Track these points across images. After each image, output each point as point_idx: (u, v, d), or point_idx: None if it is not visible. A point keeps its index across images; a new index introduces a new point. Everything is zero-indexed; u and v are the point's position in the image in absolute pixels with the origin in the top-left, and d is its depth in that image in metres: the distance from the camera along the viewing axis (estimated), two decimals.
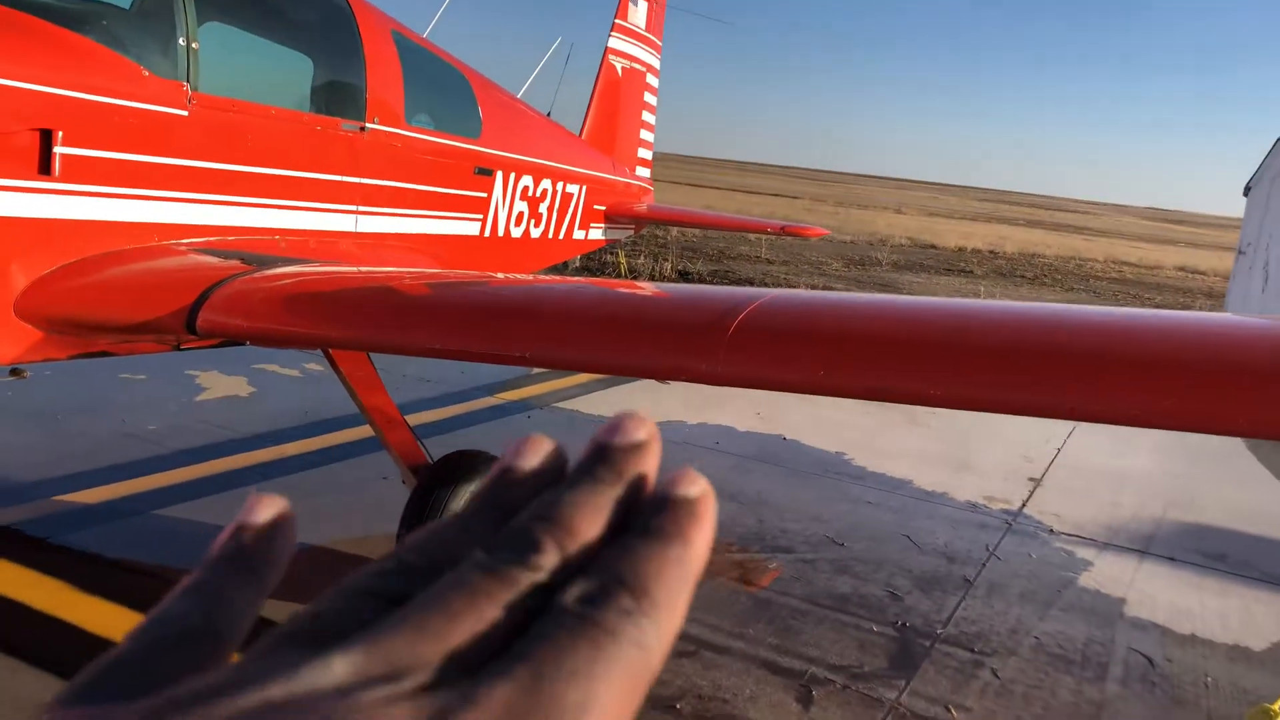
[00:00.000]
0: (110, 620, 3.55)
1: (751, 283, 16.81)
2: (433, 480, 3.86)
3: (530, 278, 3.85)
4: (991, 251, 34.09)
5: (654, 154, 9.74)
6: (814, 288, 16.79)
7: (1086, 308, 2.89)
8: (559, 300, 3.10)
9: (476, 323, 2.99)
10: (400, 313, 3.15)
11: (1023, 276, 25.53)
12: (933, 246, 33.14)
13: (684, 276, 17.01)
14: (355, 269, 3.88)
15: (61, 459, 5.08)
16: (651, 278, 16.36)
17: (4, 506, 4.44)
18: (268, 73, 4.66)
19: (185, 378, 6.82)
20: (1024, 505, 6.15)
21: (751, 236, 27.08)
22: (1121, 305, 20.62)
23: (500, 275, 3.89)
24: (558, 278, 3.83)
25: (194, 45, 3.81)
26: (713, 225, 10.80)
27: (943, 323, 2.61)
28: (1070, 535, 5.67)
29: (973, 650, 4.11)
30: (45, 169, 3.33)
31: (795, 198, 62.54)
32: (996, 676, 3.91)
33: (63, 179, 3.39)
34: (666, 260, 18.08)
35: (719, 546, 4.93)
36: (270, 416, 6.18)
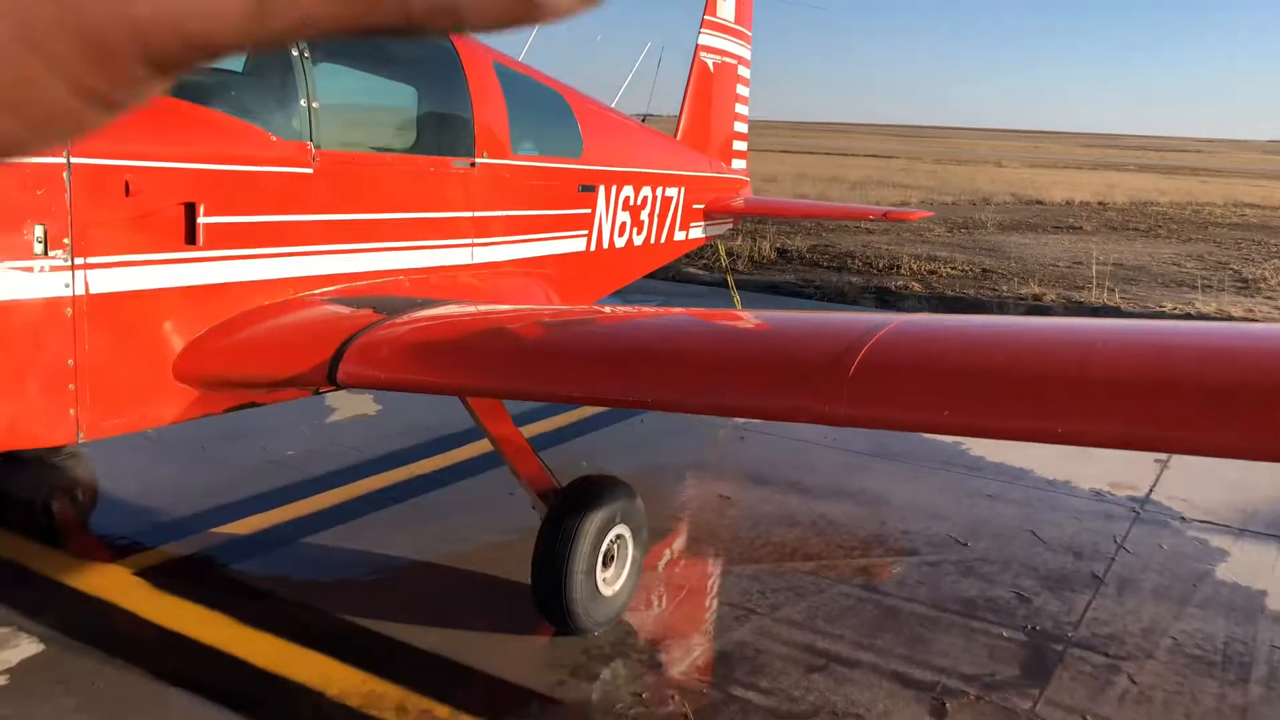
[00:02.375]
0: (274, 654, 3.81)
1: (852, 256, 16.57)
2: (562, 506, 4.01)
3: (635, 310, 3.94)
4: (1101, 203, 32.86)
5: (748, 121, 9.66)
6: (917, 257, 16.49)
7: (1217, 326, 2.83)
8: (676, 343, 3.19)
9: (601, 371, 3.10)
10: (526, 361, 3.28)
11: (1135, 229, 24.55)
12: (1038, 202, 32.11)
13: (782, 254, 16.89)
14: (476, 310, 4.04)
15: (213, 489, 5.41)
16: (750, 258, 16.31)
17: (167, 541, 4.77)
18: (380, 122, 4.85)
19: (315, 399, 7.15)
20: (1151, 491, 6.02)
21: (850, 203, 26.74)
22: (1245, 252, 19.68)
23: (608, 309, 4.00)
24: (662, 310, 3.91)
25: (314, 105, 4.01)
26: (812, 215, 10.75)
27: (1068, 354, 2.60)
28: (1203, 522, 5.53)
29: (1107, 654, 4.08)
30: (191, 239, 3.57)
31: (890, 158, 61.28)
32: (1134, 682, 3.88)
33: (206, 247, 3.63)
34: (764, 239, 18.00)
35: (841, 551, 4.98)
36: (398, 435, 6.44)
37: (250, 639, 3.91)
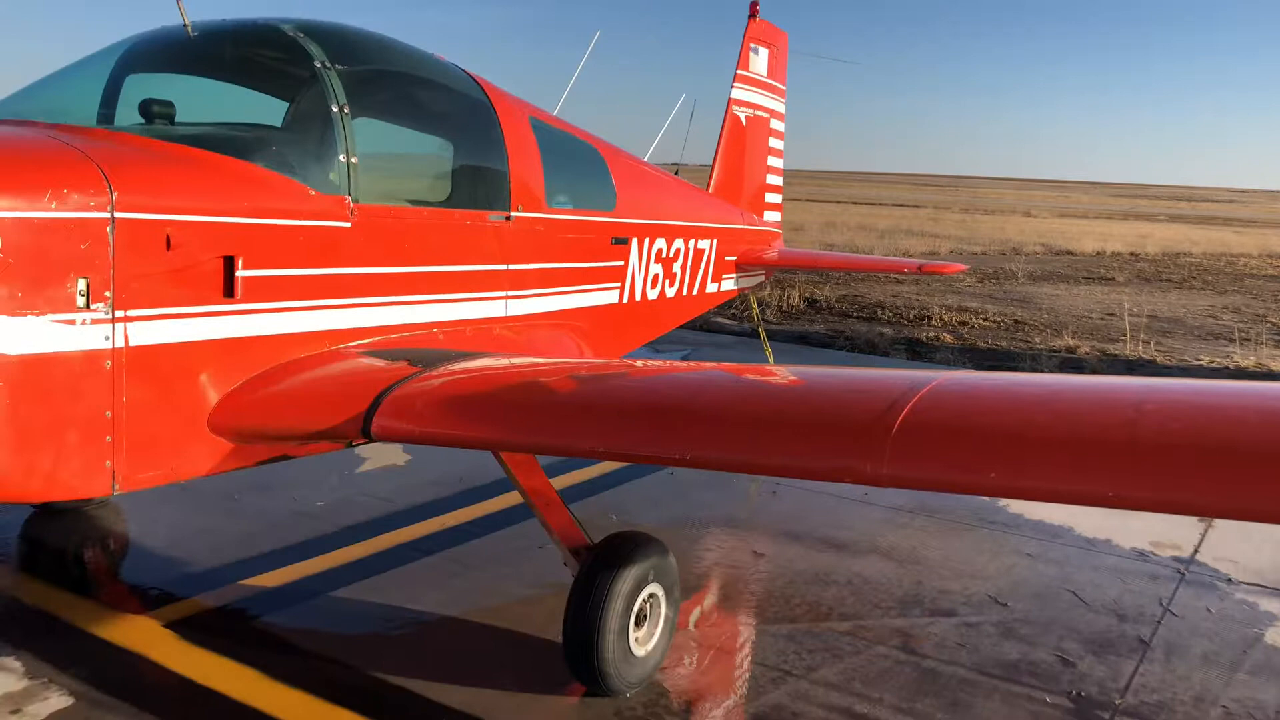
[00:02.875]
0: (303, 710, 3.76)
1: (882, 306, 16.52)
2: (595, 563, 3.95)
3: (669, 365, 3.91)
4: (1133, 254, 32.66)
5: (781, 174, 9.67)
6: (948, 308, 16.42)
7: (1264, 386, 2.76)
8: (712, 400, 3.16)
9: (635, 428, 3.06)
10: (559, 417, 3.26)
11: (1169, 280, 24.35)
12: (1069, 252, 31.97)
13: (811, 304, 16.86)
14: (509, 363, 4.02)
15: (242, 541, 5.40)
16: (779, 308, 16.29)
17: (197, 592, 4.74)
18: (417, 176, 4.90)
19: (345, 449, 7.14)
20: (1196, 551, 5.87)
21: (878, 252, 26.68)
22: None
23: (639, 364, 3.97)
24: (695, 365, 3.87)
25: (353, 160, 4.05)
26: (846, 268, 10.72)
27: (1115, 416, 2.53)
28: (1251, 585, 5.38)
29: None
30: (229, 292, 3.59)
31: (918, 207, 61.33)
32: None
33: (244, 300, 3.65)
34: (793, 288, 17.98)
35: (878, 611, 4.88)
36: (428, 486, 6.42)
37: (280, 695, 3.86)
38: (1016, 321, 15.85)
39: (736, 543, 5.82)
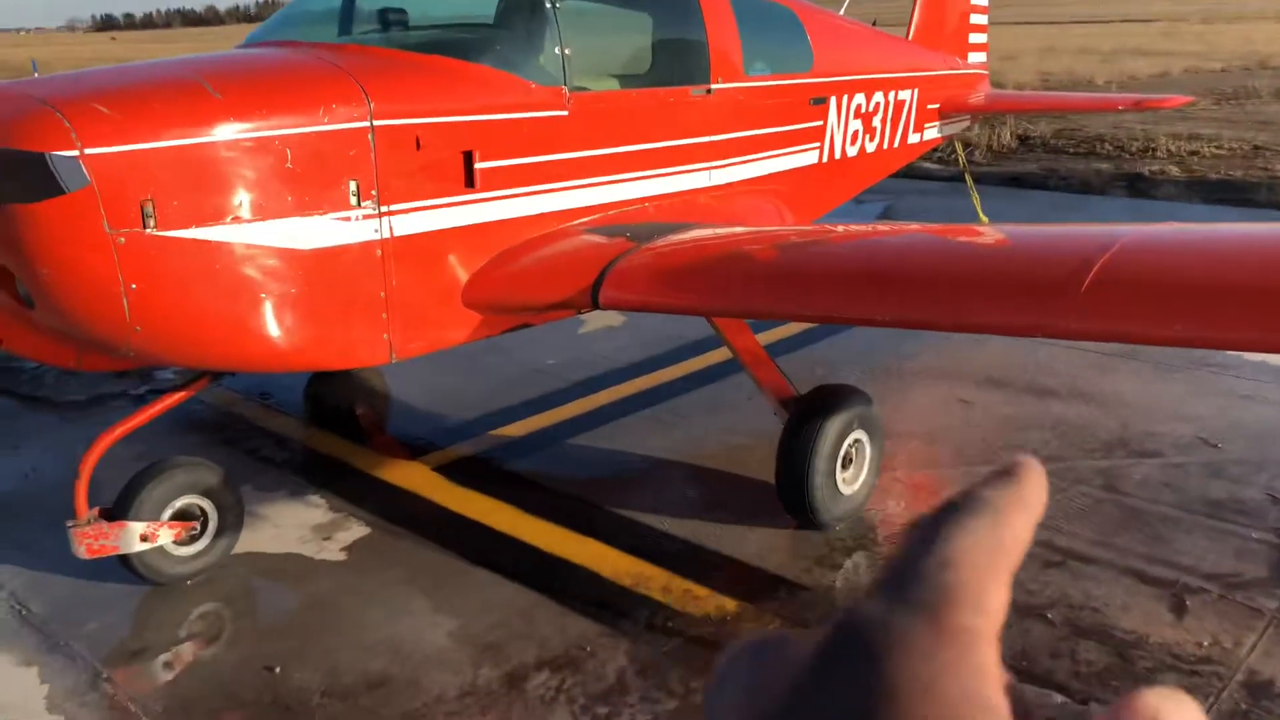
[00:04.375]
0: (555, 538, 4.40)
1: (1101, 139, 15.53)
2: (802, 412, 4.33)
3: (870, 229, 4.13)
4: None
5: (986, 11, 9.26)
6: (1176, 136, 15.25)
7: None
8: (911, 262, 3.40)
9: (839, 291, 3.36)
10: (768, 283, 3.59)
11: None
12: None
13: (1024, 142, 16.08)
14: (717, 233, 4.36)
15: (485, 396, 6.11)
16: (990, 148, 15.65)
17: (455, 442, 5.49)
18: (623, 60, 5.19)
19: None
20: None
21: (1100, 79, 24.77)
22: None
23: (840, 228, 4.21)
24: (896, 227, 4.07)
25: (566, 52, 4.40)
26: (1055, 109, 10.22)
27: None
28: None
29: None
30: (470, 183, 4.08)
31: (1149, 20, 55.64)
32: None
33: (482, 189, 4.13)
34: (1004, 125, 17.15)
35: (1082, 453, 5.04)
36: (644, 344, 6.94)
37: (534, 526, 4.53)
38: (1256, 148, 14.57)
39: (941, 391, 6.04)
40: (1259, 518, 4.34)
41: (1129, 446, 5.09)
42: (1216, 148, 14.57)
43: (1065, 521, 4.36)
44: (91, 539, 3.83)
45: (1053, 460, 4.95)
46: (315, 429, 5.83)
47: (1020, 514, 0.38)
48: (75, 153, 3.12)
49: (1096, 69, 27.17)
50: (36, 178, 3.03)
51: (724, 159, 5.24)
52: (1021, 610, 3.75)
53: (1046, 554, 4.11)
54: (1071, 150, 15.27)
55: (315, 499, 4.88)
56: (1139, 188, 12.38)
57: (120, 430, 4.02)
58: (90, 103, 3.27)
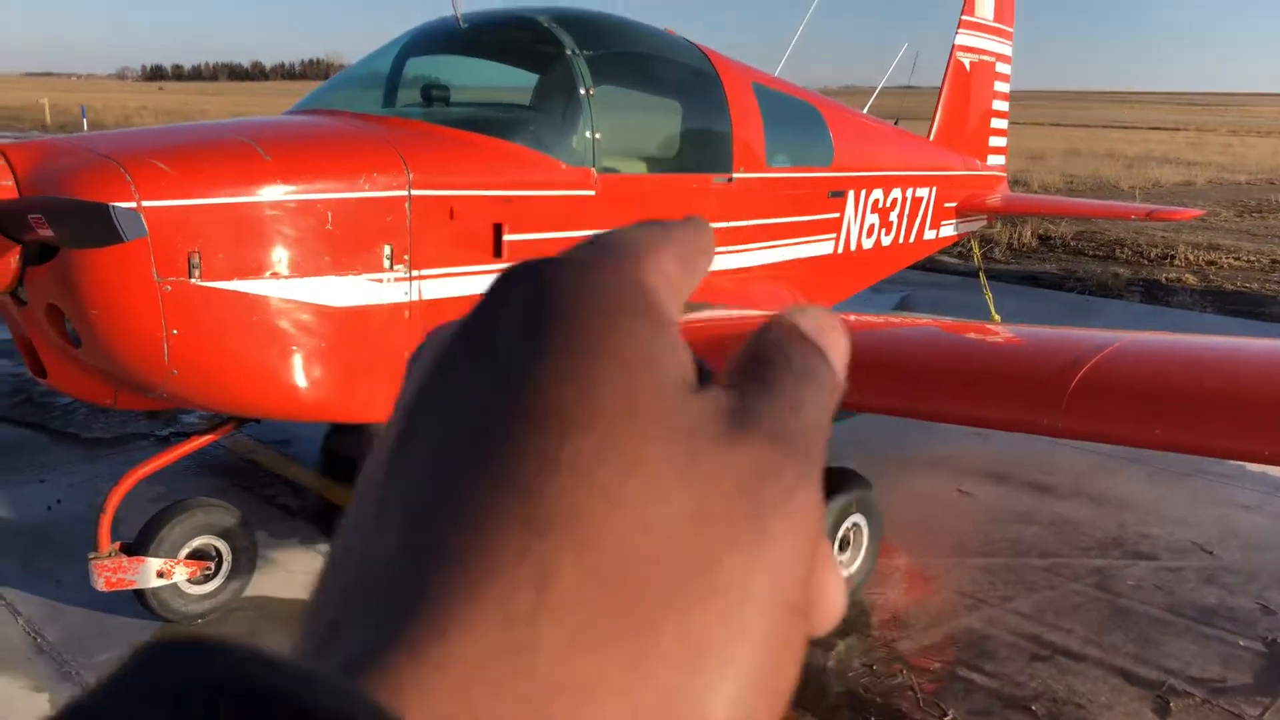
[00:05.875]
0: None
1: (1121, 244, 15.75)
2: None
3: (881, 320, 4.30)
4: None
5: (1010, 90, 9.50)
6: (1196, 246, 15.45)
7: None
8: (907, 352, 3.56)
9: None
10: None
11: None
12: None
13: (1044, 241, 16.32)
14: (733, 314, 4.55)
15: None
16: (1010, 246, 15.89)
17: None
18: (650, 146, 5.45)
19: None
20: None
21: (1124, 186, 25.13)
22: None
23: (851, 318, 4.39)
24: (899, 319, 4.25)
25: (596, 136, 4.65)
26: (1066, 214, 10.46)
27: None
28: None
29: None
30: (498, 253, 4.30)
31: (1177, 129, 56.47)
32: None
33: (510, 260, 4.34)
34: (1025, 224, 17.43)
35: (1077, 551, 5.12)
36: None
37: None
38: (1274, 261, 14.75)
39: (942, 480, 6.14)
40: (1248, 625, 4.40)
41: (1125, 547, 5.17)
42: (1235, 259, 14.75)
43: (1056, 617, 4.43)
44: (110, 572, 3.97)
45: (1048, 556, 5.03)
46: (331, 480, 5.99)
47: (690, 230, 0.35)
48: (134, 204, 3.35)
49: (1122, 174, 27.58)
50: (97, 226, 3.26)
51: (741, 244, 5.45)
52: (1005, 701, 3.82)
53: (1034, 648, 4.19)
54: (1091, 253, 15.47)
55: (326, 547, 5.01)
56: (1155, 294, 12.54)
57: (147, 469, 4.19)
58: (150, 159, 3.52)
